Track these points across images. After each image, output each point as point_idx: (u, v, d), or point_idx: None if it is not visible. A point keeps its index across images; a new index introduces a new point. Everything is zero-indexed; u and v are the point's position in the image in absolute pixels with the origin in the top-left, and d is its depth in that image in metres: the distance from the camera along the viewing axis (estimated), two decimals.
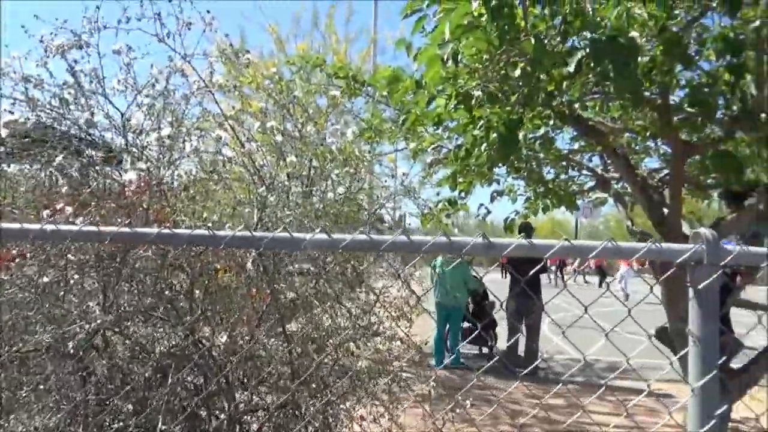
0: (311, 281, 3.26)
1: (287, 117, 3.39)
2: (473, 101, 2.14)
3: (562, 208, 4.40)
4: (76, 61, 2.52)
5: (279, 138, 2.71)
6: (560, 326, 1.39)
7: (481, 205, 4.47)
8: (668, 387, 6.70)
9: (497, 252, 1.27)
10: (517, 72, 2.03)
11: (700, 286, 1.17)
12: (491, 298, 8.53)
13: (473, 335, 7.99)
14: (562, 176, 4.62)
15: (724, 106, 2.24)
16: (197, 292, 3.00)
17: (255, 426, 2.90)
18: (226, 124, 2.89)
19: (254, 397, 3.04)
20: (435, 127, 2.80)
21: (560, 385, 6.85)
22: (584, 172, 4.47)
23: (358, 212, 3.32)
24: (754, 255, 1.17)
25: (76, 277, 2.52)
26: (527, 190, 4.39)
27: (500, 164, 3.53)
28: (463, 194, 3.67)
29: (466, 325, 8.26)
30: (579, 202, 5.34)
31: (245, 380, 2.96)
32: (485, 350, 8.42)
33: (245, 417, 2.86)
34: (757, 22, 2.20)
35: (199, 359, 2.86)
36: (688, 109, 2.47)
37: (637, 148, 4.25)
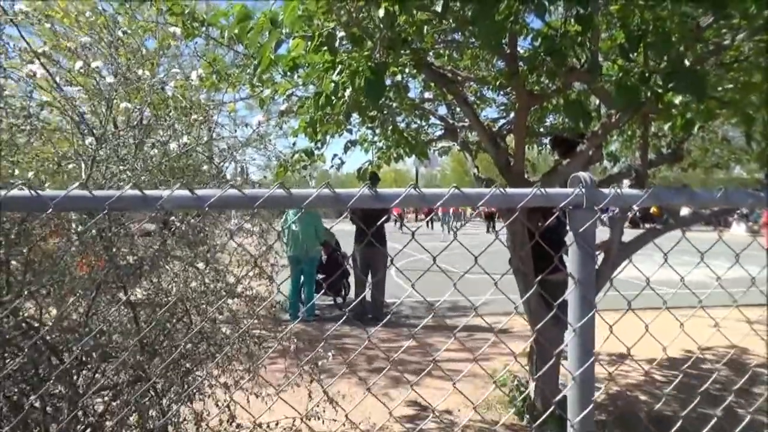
0: (156, 243, 2.95)
1: (115, 57, 2.95)
2: (337, 43, 1.99)
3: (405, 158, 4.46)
4: None
5: (110, 80, 2.32)
6: (409, 279, 1.35)
7: (335, 155, 4.37)
8: (506, 320, 7.35)
9: (342, 204, 1.18)
10: (381, 12, 1.92)
11: (580, 230, 1.19)
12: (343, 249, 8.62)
13: (326, 286, 8.08)
14: (413, 125, 4.68)
15: (573, 56, 2.36)
16: (14, 263, 2.55)
17: (102, 408, 2.59)
18: (37, 62, 2.41)
19: (97, 376, 2.71)
20: (289, 73, 2.59)
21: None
22: (432, 121, 4.56)
23: (207, 165, 3.03)
24: (629, 197, 1.22)
25: None
26: (379, 140, 4.37)
27: (366, 111, 3.44)
28: (319, 144, 3.53)
29: (320, 276, 8.29)
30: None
31: (84, 359, 2.61)
32: (339, 300, 8.54)
33: (88, 400, 2.54)
34: None
35: (23, 341, 2.45)
36: (539, 59, 2.56)
37: (485, 97, 4.41)
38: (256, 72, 2.45)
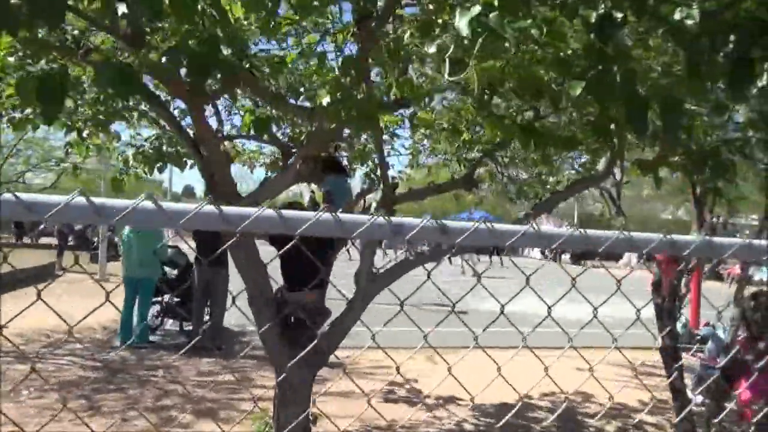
0: None
1: None
2: None
3: None
4: None
5: None
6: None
7: (111, 164, 3.81)
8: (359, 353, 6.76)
9: None
10: None
11: None
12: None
13: (168, 309, 7.50)
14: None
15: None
16: None
17: None
18: None
19: None
20: None
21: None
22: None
23: None
24: None
25: None
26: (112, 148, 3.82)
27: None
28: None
29: (168, 299, 7.71)
30: None
31: None
32: (187, 326, 7.89)
33: None
34: None
35: None
36: None
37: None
38: None
